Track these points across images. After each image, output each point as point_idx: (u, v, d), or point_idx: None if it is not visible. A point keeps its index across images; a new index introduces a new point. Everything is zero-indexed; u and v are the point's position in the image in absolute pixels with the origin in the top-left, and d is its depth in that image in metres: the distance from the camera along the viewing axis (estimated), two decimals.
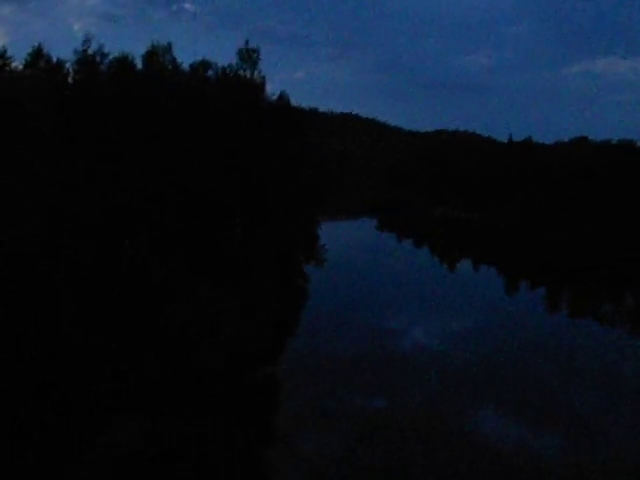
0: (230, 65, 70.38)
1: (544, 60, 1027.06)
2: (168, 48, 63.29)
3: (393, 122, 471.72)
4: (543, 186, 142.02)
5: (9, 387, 29.15)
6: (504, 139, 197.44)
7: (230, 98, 64.89)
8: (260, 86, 73.79)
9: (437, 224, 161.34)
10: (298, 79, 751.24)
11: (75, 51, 54.27)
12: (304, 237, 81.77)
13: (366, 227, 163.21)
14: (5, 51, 52.67)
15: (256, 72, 72.09)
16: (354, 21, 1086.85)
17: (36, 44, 55.64)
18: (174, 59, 64.34)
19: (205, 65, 68.86)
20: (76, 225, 38.59)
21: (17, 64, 54.08)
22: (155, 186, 48.39)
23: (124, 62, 57.27)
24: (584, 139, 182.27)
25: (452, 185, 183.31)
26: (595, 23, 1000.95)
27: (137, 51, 63.52)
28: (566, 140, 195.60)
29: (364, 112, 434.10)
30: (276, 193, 67.16)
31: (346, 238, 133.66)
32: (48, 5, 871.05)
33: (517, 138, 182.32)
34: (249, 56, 70.77)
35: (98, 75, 55.25)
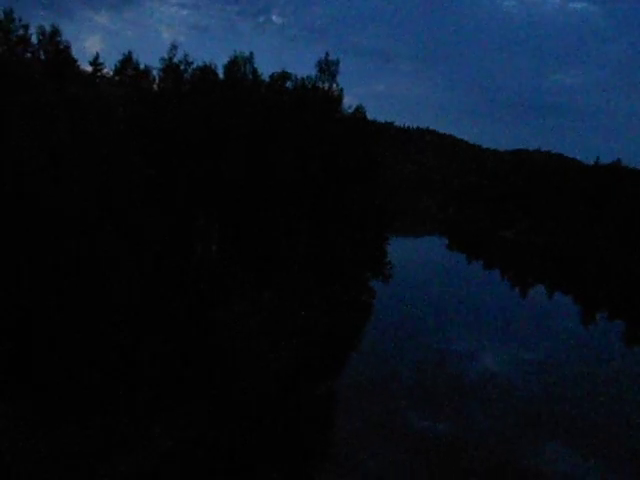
0: (309, 77, 70.79)
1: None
2: (249, 58, 64.46)
3: (472, 139, 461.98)
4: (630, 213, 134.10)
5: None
6: (591, 161, 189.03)
7: (305, 108, 65.22)
8: (337, 98, 73.71)
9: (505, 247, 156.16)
10: (378, 92, 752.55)
11: (161, 59, 56.18)
12: (372, 252, 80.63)
13: (434, 247, 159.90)
14: (97, 58, 55.52)
15: (334, 84, 72.16)
16: (438, 36, 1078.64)
17: (126, 52, 58.23)
18: (254, 69, 65.44)
19: (284, 76, 69.57)
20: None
21: (108, 70, 56.86)
22: (229, 179, 49.31)
23: (206, 71, 58.80)
24: None
25: (526, 207, 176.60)
26: None
27: (222, 60, 65.21)
28: None
29: (442, 128, 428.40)
30: (345, 207, 66.74)
31: (414, 257, 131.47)
32: (142, 15, 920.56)
33: (605, 161, 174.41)
34: (328, 68, 70.86)
35: (181, 83, 56.93)
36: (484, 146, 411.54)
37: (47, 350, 30.64)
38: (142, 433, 31.54)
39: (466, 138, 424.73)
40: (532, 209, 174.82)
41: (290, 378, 46.63)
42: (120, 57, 56.95)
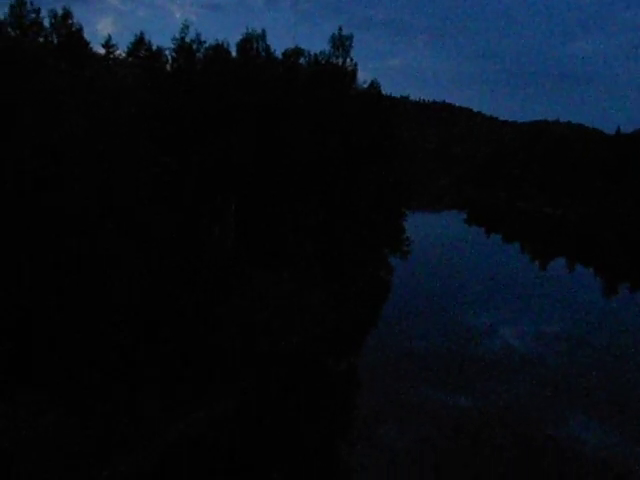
0: (322, 52, 69.88)
1: None
2: (262, 36, 63.72)
3: (489, 112, 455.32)
4: None
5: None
6: (612, 131, 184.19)
7: (319, 85, 64.51)
8: (351, 74, 72.76)
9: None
10: (392, 66, 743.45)
11: (173, 39, 55.73)
12: (390, 229, 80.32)
13: (453, 221, 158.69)
14: (110, 40, 55.26)
15: (348, 59, 71.17)
16: (453, 7, 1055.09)
17: (138, 32, 57.74)
18: (267, 47, 64.72)
19: (297, 52, 68.74)
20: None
21: (120, 52, 56.59)
22: (242, 162, 49.16)
23: (219, 50, 58.29)
24: None
25: (545, 179, 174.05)
26: None
27: (235, 38, 64.81)
28: None
29: (458, 101, 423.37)
30: (362, 184, 66.32)
31: (432, 231, 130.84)
32: None
33: (627, 130, 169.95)
34: (342, 43, 69.84)
35: (194, 63, 56.52)
36: (501, 118, 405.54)
37: (47, 350, 30.82)
38: (142, 433, 31.76)
39: (483, 111, 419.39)
40: (551, 181, 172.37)
41: (300, 366, 46.94)
42: (133, 38, 56.64)
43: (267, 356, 43.34)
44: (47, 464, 27.21)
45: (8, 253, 30.64)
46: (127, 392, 32.20)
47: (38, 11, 45.72)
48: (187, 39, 56.09)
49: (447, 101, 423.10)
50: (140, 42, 56.84)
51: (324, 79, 66.94)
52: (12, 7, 43.99)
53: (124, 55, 56.90)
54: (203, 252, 39.56)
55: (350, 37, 69.85)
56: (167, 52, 56.91)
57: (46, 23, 47.77)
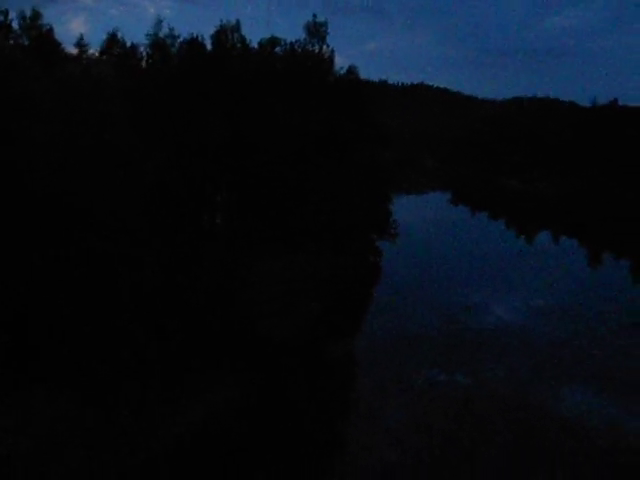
0: (298, 40, 69.44)
1: (637, 19, 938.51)
2: (236, 27, 63.11)
3: (467, 91, 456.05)
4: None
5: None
6: (588, 104, 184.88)
7: (297, 74, 64.13)
8: (328, 60, 72.42)
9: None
10: (369, 51, 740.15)
11: (147, 35, 55.07)
12: (377, 213, 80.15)
13: (437, 202, 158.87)
14: (82, 39, 54.45)
15: (324, 46, 70.82)
16: None
17: (111, 30, 56.89)
18: (242, 37, 64.16)
19: (273, 42, 68.25)
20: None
21: (93, 51, 55.82)
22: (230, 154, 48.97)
23: (194, 43, 57.65)
24: None
25: (527, 155, 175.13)
26: None
27: (210, 31, 63.93)
28: None
29: (438, 82, 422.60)
30: (345, 170, 66.13)
31: (419, 213, 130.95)
32: None
33: (602, 102, 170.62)
34: (317, 30, 69.45)
35: (169, 57, 55.89)
36: (480, 97, 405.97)
37: (56, 344, 30.63)
38: (148, 423, 31.65)
39: (462, 90, 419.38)
40: (532, 156, 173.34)
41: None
42: (106, 37, 55.84)
43: (269, 342, 43.42)
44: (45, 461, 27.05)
45: (23, 254, 30.41)
46: (138, 386, 32.05)
47: (6, 13, 44.81)
48: (161, 34, 55.52)
49: (425, 82, 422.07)
50: (113, 40, 56.12)
51: (301, 67, 66.56)
52: None
53: (97, 54, 56.15)
54: (203, 241, 39.48)
55: (325, 23, 69.61)
56: (142, 49, 56.33)
57: (15, 24, 46.90)
